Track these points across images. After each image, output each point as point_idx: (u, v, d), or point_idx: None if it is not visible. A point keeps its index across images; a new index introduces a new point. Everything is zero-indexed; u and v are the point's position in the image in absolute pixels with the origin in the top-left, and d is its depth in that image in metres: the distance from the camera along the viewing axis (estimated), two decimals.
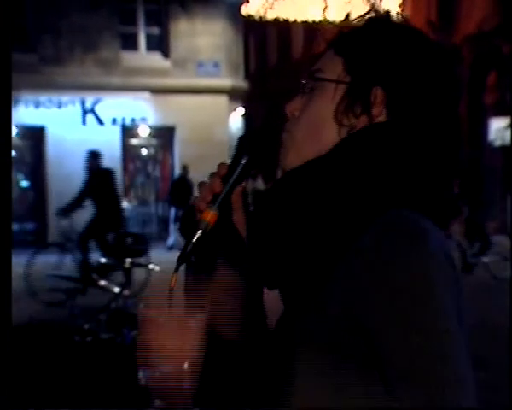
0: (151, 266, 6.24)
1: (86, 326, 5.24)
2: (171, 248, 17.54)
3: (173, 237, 18.01)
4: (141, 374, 4.55)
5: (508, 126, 21.76)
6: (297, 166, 1.25)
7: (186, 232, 1.26)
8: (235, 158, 1.28)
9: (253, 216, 1.29)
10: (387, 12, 1.31)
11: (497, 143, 21.97)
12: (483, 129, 22.59)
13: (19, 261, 16.51)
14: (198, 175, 17.88)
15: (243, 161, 1.26)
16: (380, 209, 1.14)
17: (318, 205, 1.18)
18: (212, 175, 1.28)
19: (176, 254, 1.23)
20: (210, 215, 1.23)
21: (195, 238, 1.22)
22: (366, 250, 1.11)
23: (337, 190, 1.18)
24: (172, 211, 18.32)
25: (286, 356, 1.20)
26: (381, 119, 1.23)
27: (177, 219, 17.85)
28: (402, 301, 1.08)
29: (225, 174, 1.26)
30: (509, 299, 4.87)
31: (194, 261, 1.27)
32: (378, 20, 1.31)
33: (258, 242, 1.25)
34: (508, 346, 5.39)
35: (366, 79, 1.23)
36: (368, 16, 1.31)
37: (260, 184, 15.61)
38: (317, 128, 1.26)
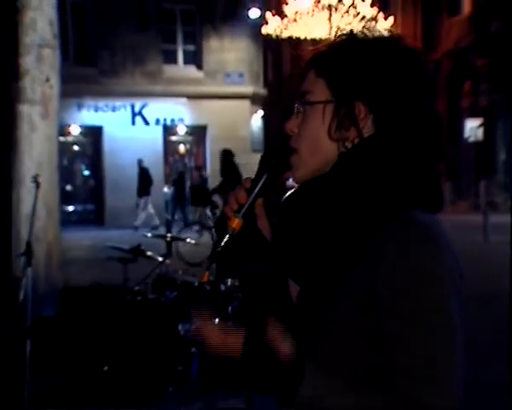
0: (188, 239, 6.24)
1: (136, 288, 5.27)
2: (137, 228, 17.19)
3: (140, 220, 17.86)
4: (180, 327, 4.61)
5: (480, 126, 21.55)
6: (311, 179, 1.20)
7: (219, 234, 1.23)
8: (258, 174, 1.23)
9: (277, 223, 1.24)
10: (351, 31, 1.23)
11: (471, 139, 21.77)
12: (459, 128, 22.39)
13: (82, 235, 16.69)
14: None
15: (263, 178, 1.23)
16: (389, 210, 1.11)
17: (335, 213, 1.14)
18: (239, 187, 1.24)
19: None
20: (236, 223, 1.20)
21: (223, 242, 1.20)
22: (391, 251, 1.08)
23: (349, 200, 1.13)
24: (141, 201, 18.30)
25: (311, 324, 1.19)
26: (368, 127, 1.17)
27: (145, 207, 18.17)
28: (417, 297, 1.06)
29: (249, 187, 1.23)
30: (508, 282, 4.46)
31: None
32: (349, 40, 1.23)
33: (283, 246, 1.21)
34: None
35: (348, 96, 1.17)
36: (338, 37, 1.24)
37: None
38: (316, 145, 1.20)
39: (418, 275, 1.06)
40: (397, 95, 1.16)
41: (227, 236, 1.20)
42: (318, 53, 1.25)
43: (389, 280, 1.07)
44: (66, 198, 17.40)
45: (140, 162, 18.12)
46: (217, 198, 14.48)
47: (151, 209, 18.40)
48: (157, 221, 17.99)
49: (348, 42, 1.22)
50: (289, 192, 1.26)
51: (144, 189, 18.23)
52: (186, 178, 19.15)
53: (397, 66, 1.17)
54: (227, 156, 12.98)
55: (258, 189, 1.22)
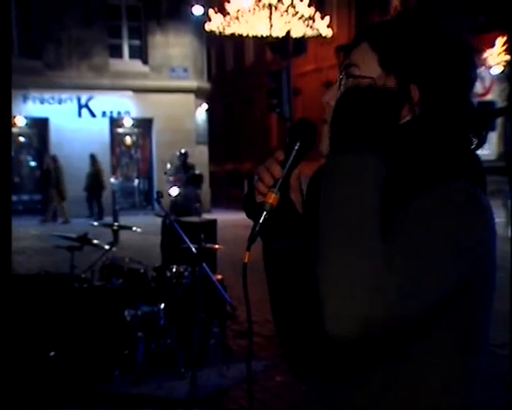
0: (134, 228, 6.17)
1: (83, 275, 5.19)
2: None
3: None
4: (126, 313, 4.63)
5: None
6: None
7: (249, 212, 1.14)
8: (289, 144, 1.11)
9: (308, 195, 1.15)
10: (416, 9, 1.15)
11: None
12: None
13: (29, 225, 16.28)
14: (170, 155, 17.56)
15: (296, 147, 1.11)
16: (437, 178, 1.03)
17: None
18: (271, 161, 1.11)
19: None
20: (273, 198, 1.09)
21: (262, 219, 1.09)
22: (430, 197, 1.00)
23: (396, 172, 1.05)
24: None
25: None
26: (417, 110, 1.09)
27: None
28: (445, 235, 0.98)
29: (282, 160, 1.10)
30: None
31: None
32: (409, 18, 1.13)
33: (314, 218, 1.09)
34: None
35: (404, 78, 1.08)
36: (397, 13, 1.14)
37: None
38: None
39: (449, 208, 0.99)
40: (449, 83, 1.09)
41: (264, 213, 1.08)
42: (374, 26, 1.15)
43: (418, 205, 1.00)
44: (12, 188, 16.89)
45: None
46: None
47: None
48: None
49: (406, 22, 1.13)
50: (321, 166, 1.16)
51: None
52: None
53: (454, 54, 1.10)
54: None
55: (291, 159, 1.11)
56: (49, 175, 17.37)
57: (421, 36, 1.10)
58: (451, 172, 1.04)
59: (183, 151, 16.06)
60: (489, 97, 13.49)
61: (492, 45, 17.32)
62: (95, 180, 17.66)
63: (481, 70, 13.35)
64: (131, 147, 20.67)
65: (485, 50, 16.77)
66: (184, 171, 16.43)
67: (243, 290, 1.10)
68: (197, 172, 16.41)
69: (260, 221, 1.09)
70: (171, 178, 16.62)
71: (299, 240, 1.16)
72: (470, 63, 1.12)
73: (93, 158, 17.74)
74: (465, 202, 1.01)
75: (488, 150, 13.97)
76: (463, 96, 1.11)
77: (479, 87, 13.16)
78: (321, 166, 1.16)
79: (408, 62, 1.08)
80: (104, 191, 17.60)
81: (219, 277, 5.18)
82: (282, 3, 18.57)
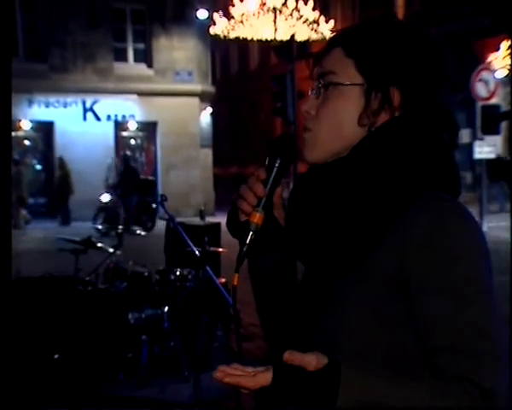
0: (138, 231, 6.17)
1: (87, 278, 5.19)
2: None
3: None
4: (130, 316, 4.64)
5: None
6: (331, 162, 1.10)
7: (233, 231, 1.15)
8: (270, 162, 1.11)
9: (291, 205, 1.14)
10: (380, 15, 1.14)
11: None
12: None
13: (34, 227, 16.29)
14: (175, 159, 17.69)
15: (277, 164, 1.11)
16: (413, 192, 1.03)
17: (360, 191, 1.04)
18: (253, 180, 1.11)
19: None
20: (257, 217, 1.09)
21: (248, 239, 1.09)
22: (421, 225, 0.99)
23: (376, 177, 1.04)
24: None
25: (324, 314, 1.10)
26: (398, 112, 1.09)
27: None
28: (454, 271, 0.97)
29: (264, 179, 1.10)
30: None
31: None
32: (378, 21, 1.13)
33: (298, 229, 1.10)
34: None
35: (383, 81, 1.07)
36: (369, 19, 1.13)
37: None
38: (338, 128, 1.09)
39: (451, 248, 0.98)
40: (428, 82, 1.09)
41: (250, 233, 1.09)
42: (345, 32, 1.13)
43: (420, 255, 0.98)
44: None
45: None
46: None
47: None
48: None
49: (377, 25, 1.12)
50: (302, 175, 1.16)
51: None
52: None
53: (429, 53, 1.10)
54: None
55: (273, 176, 1.11)
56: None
57: (396, 37, 1.09)
58: (427, 184, 1.04)
59: (128, 153, 15.35)
60: (493, 101, 13.45)
61: (497, 49, 17.29)
62: (63, 184, 17.33)
63: (486, 73, 13.33)
64: (136, 150, 20.66)
65: (489, 54, 16.75)
66: (123, 176, 15.15)
67: (234, 312, 1.12)
68: (150, 178, 15.29)
69: (248, 242, 1.09)
70: (109, 182, 15.58)
71: (284, 254, 1.17)
72: (443, 60, 1.11)
73: (61, 161, 17.48)
74: (463, 232, 1.00)
75: (493, 154, 13.93)
76: (441, 94, 1.11)
77: (483, 91, 13.13)
78: (302, 174, 1.16)
79: (388, 64, 1.07)
80: (71, 195, 17.44)
81: (223, 280, 5.18)
82: (287, 7, 18.58)
